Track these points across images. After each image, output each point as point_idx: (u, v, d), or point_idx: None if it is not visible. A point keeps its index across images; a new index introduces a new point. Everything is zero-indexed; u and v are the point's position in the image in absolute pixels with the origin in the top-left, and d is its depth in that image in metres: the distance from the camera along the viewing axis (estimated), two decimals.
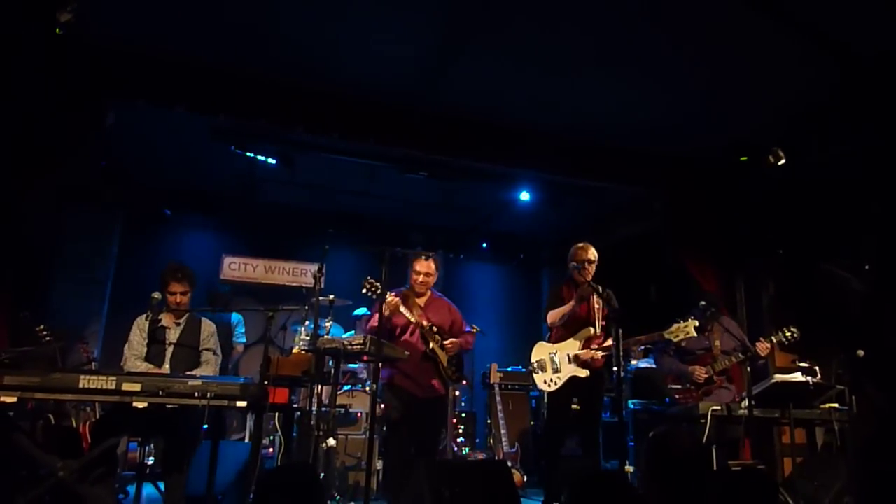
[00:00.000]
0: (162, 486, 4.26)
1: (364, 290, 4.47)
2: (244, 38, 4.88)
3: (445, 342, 4.68)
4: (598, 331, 4.73)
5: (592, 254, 4.84)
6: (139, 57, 5.04)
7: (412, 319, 4.60)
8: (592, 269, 4.80)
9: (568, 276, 4.99)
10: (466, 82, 5.37)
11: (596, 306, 4.76)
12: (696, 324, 4.60)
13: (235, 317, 6.80)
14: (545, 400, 5.41)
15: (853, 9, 4.21)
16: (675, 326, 4.60)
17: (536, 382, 4.87)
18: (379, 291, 4.35)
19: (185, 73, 5.20)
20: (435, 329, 4.68)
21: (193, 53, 5.09)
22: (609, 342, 4.55)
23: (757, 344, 4.78)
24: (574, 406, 4.92)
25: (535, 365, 4.86)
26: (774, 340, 4.78)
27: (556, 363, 4.80)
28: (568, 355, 4.78)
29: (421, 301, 4.80)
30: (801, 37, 4.51)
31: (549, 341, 4.97)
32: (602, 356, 4.73)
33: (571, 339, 4.82)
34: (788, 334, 4.77)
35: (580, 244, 4.93)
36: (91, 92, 4.97)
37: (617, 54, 4.87)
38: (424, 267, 4.77)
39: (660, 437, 2.36)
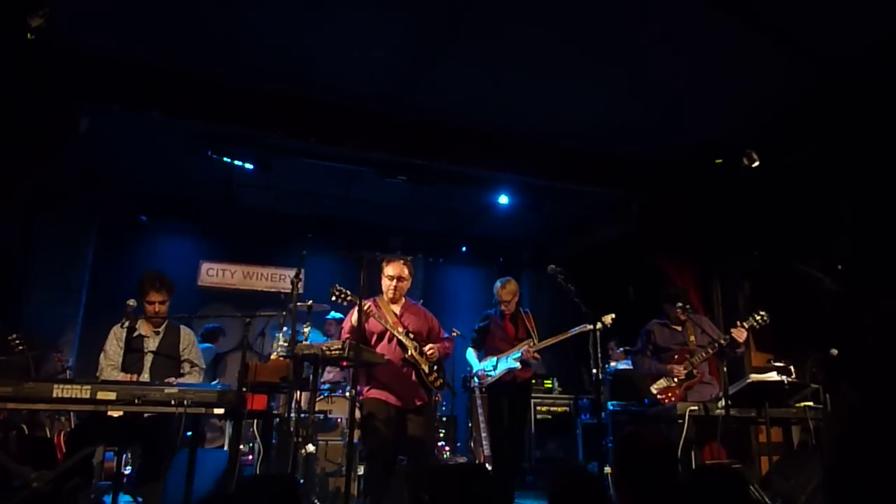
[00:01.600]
0: (139, 496, 4.20)
1: (333, 298, 4.29)
2: (221, 44, 4.85)
3: (425, 348, 4.49)
4: (534, 343, 5.42)
5: (510, 291, 5.55)
6: (113, 62, 4.98)
7: (389, 328, 4.40)
8: (515, 301, 5.60)
9: (496, 309, 5.68)
10: (444, 86, 5.38)
11: (529, 324, 5.52)
12: (613, 315, 5.08)
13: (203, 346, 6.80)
14: (481, 399, 6.06)
15: (827, 15, 4.29)
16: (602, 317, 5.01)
17: (475, 381, 5.65)
18: (349, 298, 4.24)
19: (161, 78, 5.15)
20: (412, 336, 4.49)
21: (169, 59, 5.04)
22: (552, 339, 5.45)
23: (732, 331, 4.85)
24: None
25: (478, 374, 5.59)
26: (747, 325, 4.86)
27: (496, 367, 5.43)
28: (507, 358, 5.42)
29: (396, 308, 4.58)
30: (776, 41, 4.58)
31: (488, 356, 5.60)
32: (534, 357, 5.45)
33: (508, 352, 5.49)
34: (759, 318, 4.86)
35: (499, 284, 5.63)
36: (64, 97, 4.91)
37: (594, 58, 4.91)
38: (396, 270, 4.51)
39: (627, 437, 2.38)
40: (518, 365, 5.39)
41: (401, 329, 4.46)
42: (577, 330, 5.42)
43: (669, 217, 6.61)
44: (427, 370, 4.47)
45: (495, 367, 5.43)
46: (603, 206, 7.57)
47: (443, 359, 4.65)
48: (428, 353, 4.48)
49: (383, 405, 4.33)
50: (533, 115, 5.78)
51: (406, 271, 4.56)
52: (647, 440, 2.28)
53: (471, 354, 5.73)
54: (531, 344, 5.44)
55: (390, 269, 4.52)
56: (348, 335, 4.34)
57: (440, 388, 4.63)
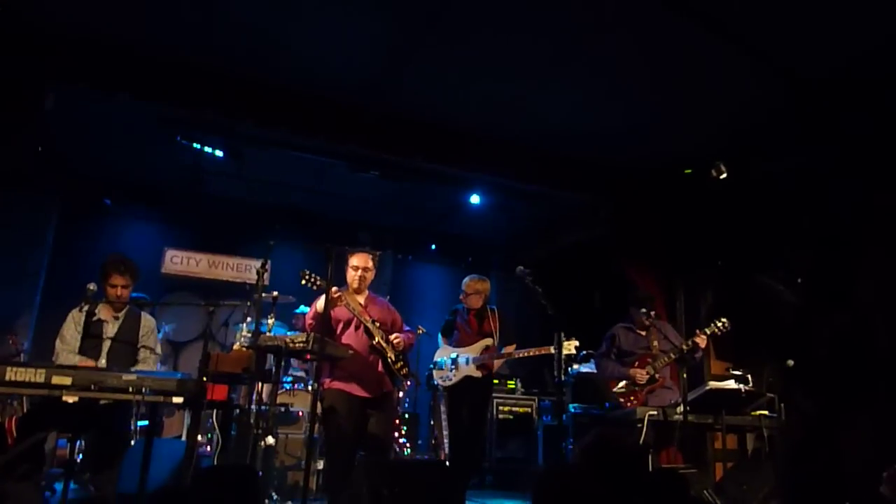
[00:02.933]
0: (92, 484, 4.11)
1: (303, 282, 4.28)
2: (194, 27, 4.76)
3: (391, 336, 4.56)
4: (495, 341, 5.46)
5: (472, 287, 5.56)
6: (82, 40, 4.87)
7: (354, 313, 4.43)
8: (479, 298, 5.56)
9: (462, 306, 5.69)
10: (420, 84, 5.37)
11: (493, 323, 5.51)
12: (577, 343, 5.27)
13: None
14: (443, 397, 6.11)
15: (797, 32, 4.39)
16: (564, 343, 5.07)
17: (435, 377, 5.58)
18: (318, 283, 4.25)
19: (130, 58, 5.04)
20: (378, 324, 4.54)
21: (139, 39, 4.94)
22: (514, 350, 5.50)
23: (694, 336, 4.95)
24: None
25: (436, 364, 5.58)
26: (708, 331, 4.94)
27: (456, 363, 5.42)
28: (467, 358, 5.41)
29: (360, 298, 4.63)
30: (748, 55, 4.67)
31: (451, 345, 5.62)
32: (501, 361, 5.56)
33: (471, 346, 5.47)
34: (720, 325, 4.95)
35: (466, 281, 5.64)
36: (29, 73, 4.78)
37: (566, 65, 4.96)
38: (362, 261, 4.59)
39: (603, 436, 2.41)
40: (479, 374, 5.36)
41: (367, 317, 4.50)
42: (537, 350, 5.43)
43: (636, 224, 6.70)
44: (393, 358, 4.55)
45: (454, 364, 5.41)
46: (572, 210, 7.64)
47: (407, 350, 4.72)
48: (394, 341, 4.56)
49: (346, 397, 4.35)
50: (506, 117, 5.81)
51: (370, 262, 4.65)
52: (621, 441, 2.33)
53: (440, 340, 5.75)
54: (490, 344, 5.43)
55: (355, 260, 4.60)
56: (312, 321, 4.36)
57: (406, 376, 4.70)
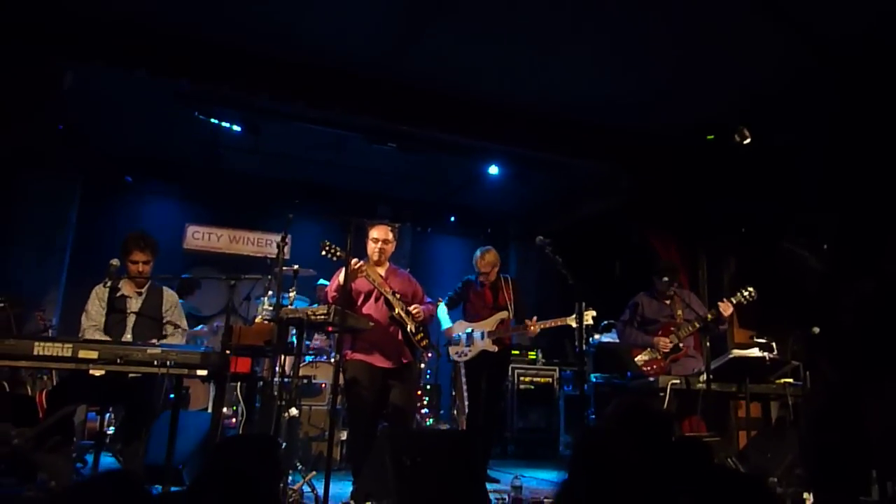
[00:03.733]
0: (120, 455, 4.21)
1: (323, 253, 4.29)
2: (209, 2, 4.74)
3: (411, 308, 4.56)
4: (511, 314, 5.44)
5: (488, 263, 5.46)
6: (98, 18, 4.88)
7: (375, 284, 4.44)
8: (495, 271, 5.51)
9: (475, 278, 5.61)
10: (436, 53, 5.31)
11: (508, 294, 5.48)
12: (594, 313, 5.22)
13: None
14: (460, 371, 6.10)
15: None
16: (574, 315, 5.04)
17: (450, 353, 5.52)
18: (339, 254, 4.25)
19: (147, 35, 5.04)
20: (398, 295, 4.55)
21: (155, 16, 4.93)
22: (544, 323, 5.34)
23: (719, 304, 4.89)
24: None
25: (451, 339, 5.51)
26: (734, 301, 4.88)
27: (471, 339, 5.38)
28: (483, 332, 5.37)
29: (381, 270, 4.63)
30: (770, 17, 4.54)
31: (465, 320, 5.56)
32: (536, 330, 5.36)
33: (487, 320, 5.44)
34: (746, 293, 4.88)
35: (479, 253, 5.54)
36: (47, 52, 4.80)
37: (587, 30, 4.86)
38: (382, 233, 4.58)
39: (634, 400, 2.41)
40: (495, 348, 5.34)
41: (388, 289, 4.52)
42: (555, 322, 5.31)
43: (658, 193, 6.61)
44: (413, 329, 4.55)
45: (469, 339, 5.38)
46: (591, 180, 7.56)
47: (427, 321, 4.71)
48: (414, 312, 4.56)
49: (367, 368, 4.38)
50: (524, 84, 5.73)
51: (391, 235, 4.62)
52: (650, 407, 2.33)
53: (443, 311, 5.57)
54: (506, 317, 5.40)
55: (375, 233, 4.60)
56: (335, 293, 4.36)
57: (426, 347, 4.69)
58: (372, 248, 4.60)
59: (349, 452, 5.06)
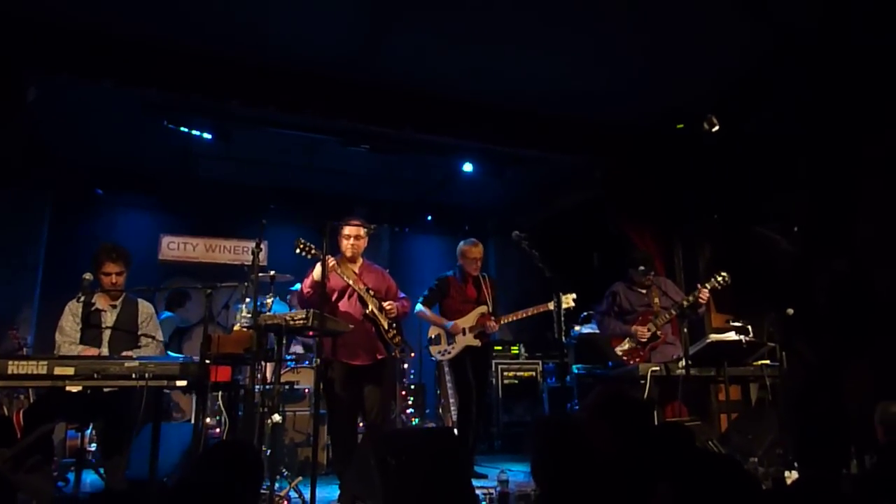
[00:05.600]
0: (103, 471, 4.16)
1: (297, 251, 4.35)
2: (174, 9, 4.68)
3: (385, 304, 4.63)
4: (490, 309, 5.46)
5: (474, 253, 5.50)
6: (61, 28, 4.79)
7: (349, 282, 4.52)
8: (479, 265, 5.55)
9: (455, 271, 5.61)
10: (404, 52, 5.30)
11: (487, 290, 5.52)
12: (574, 296, 5.30)
13: (165, 314, 6.72)
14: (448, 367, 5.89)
15: None
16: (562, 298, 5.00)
17: (431, 353, 5.51)
18: (313, 252, 4.30)
19: (112, 45, 4.96)
20: (372, 292, 4.62)
21: (120, 25, 4.86)
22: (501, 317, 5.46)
23: (695, 292, 4.98)
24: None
25: (431, 339, 5.50)
26: (709, 286, 4.97)
27: (452, 336, 5.38)
28: (464, 328, 5.37)
29: (354, 267, 4.71)
30: (739, 5, 4.59)
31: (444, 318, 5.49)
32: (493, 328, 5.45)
33: (467, 315, 5.43)
34: (720, 278, 4.98)
35: (464, 245, 5.56)
36: (8, 65, 4.71)
37: (554, 22, 4.87)
38: (353, 230, 4.68)
39: (612, 390, 2.44)
40: (478, 343, 5.38)
41: (361, 286, 4.59)
42: (535, 309, 5.45)
43: (632, 182, 6.66)
44: (386, 326, 4.63)
45: (451, 336, 5.38)
46: (567, 172, 7.59)
47: (400, 317, 4.78)
48: (387, 308, 4.64)
49: (342, 367, 4.47)
50: (495, 81, 5.74)
51: (362, 231, 4.73)
52: (626, 394, 2.36)
53: (424, 310, 5.48)
54: (486, 311, 5.43)
55: (347, 230, 4.70)
56: (310, 290, 4.45)
57: (398, 344, 4.76)
58: (345, 245, 4.69)
59: (332, 453, 5.06)
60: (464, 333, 5.37)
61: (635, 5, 4.64)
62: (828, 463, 4.29)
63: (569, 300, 5.23)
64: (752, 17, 4.72)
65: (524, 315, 5.48)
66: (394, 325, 4.69)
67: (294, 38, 5.08)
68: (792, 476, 4.05)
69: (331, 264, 4.32)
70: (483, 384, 5.57)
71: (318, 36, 5.06)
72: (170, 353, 6.51)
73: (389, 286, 4.89)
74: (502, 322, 5.51)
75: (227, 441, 4.21)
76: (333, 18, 4.84)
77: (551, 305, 5.15)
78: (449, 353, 5.39)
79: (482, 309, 5.46)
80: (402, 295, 4.94)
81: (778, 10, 4.65)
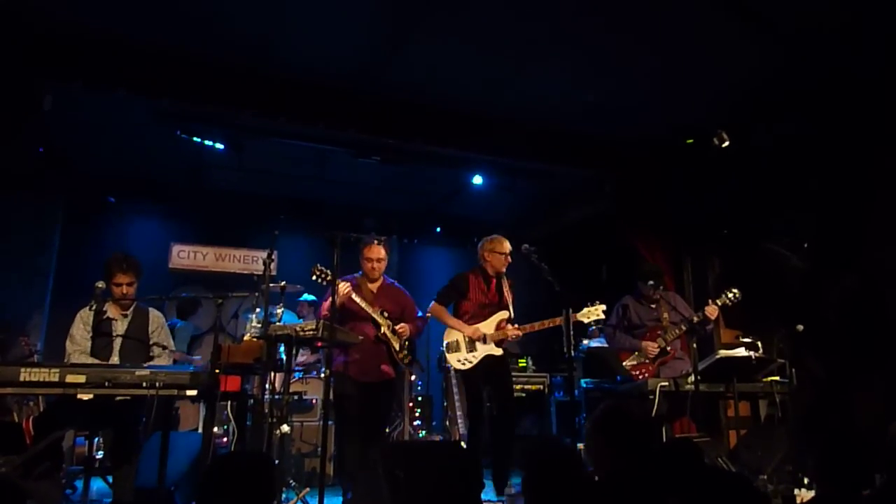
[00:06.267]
0: (111, 479, 4.17)
1: (314, 277, 4.45)
2: (189, 19, 4.74)
3: (397, 327, 4.70)
4: (511, 314, 4.97)
5: (505, 247, 5.02)
6: (76, 38, 4.85)
7: (365, 307, 4.60)
8: (509, 259, 5.04)
9: (476, 266, 5.11)
10: (417, 66, 5.34)
11: (507, 293, 5.01)
12: (604, 307, 4.92)
13: (181, 322, 6.75)
14: (456, 379, 5.79)
15: None
16: (585, 310, 4.89)
17: (449, 361, 4.96)
18: (329, 278, 4.33)
19: (126, 54, 5.02)
20: (387, 314, 4.70)
21: (135, 35, 4.92)
22: (540, 323, 4.89)
23: (705, 308, 4.95)
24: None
25: (449, 345, 4.95)
26: (719, 303, 4.94)
27: (472, 343, 4.87)
28: (485, 335, 4.86)
29: (373, 287, 4.80)
30: (748, 20, 4.61)
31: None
32: (516, 336, 4.88)
33: (486, 321, 4.93)
34: (731, 295, 4.94)
35: (495, 238, 5.06)
36: (26, 74, 4.78)
37: (566, 39, 4.91)
38: (375, 253, 4.76)
39: (614, 407, 2.43)
40: (499, 352, 4.87)
41: (376, 308, 4.66)
42: (552, 322, 4.83)
43: (641, 197, 6.67)
44: (398, 347, 4.70)
45: (472, 343, 4.85)
46: (576, 186, 7.61)
47: (414, 337, 4.84)
48: (399, 331, 4.71)
49: (351, 382, 4.54)
50: (506, 95, 5.77)
51: (383, 252, 4.82)
52: (632, 412, 2.35)
53: (442, 311, 4.97)
54: (507, 317, 4.93)
55: (370, 253, 4.77)
56: (327, 312, 4.44)
57: (408, 364, 4.83)
58: (367, 267, 4.78)
59: (339, 468, 5.02)
60: (484, 341, 4.86)
61: (646, 22, 4.66)
62: (849, 482, 4.25)
63: (598, 311, 4.89)
64: (763, 33, 4.74)
65: (544, 326, 4.91)
66: (406, 344, 4.76)
67: (307, 51, 5.13)
68: (802, 494, 4.02)
69: (346, 290, 4.45)
70: (506, 396, 4.92)
71: (331, 49, 5.10)
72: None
73: (406, 306, 4.94)
74: (523, 332, 4.95)
75: (246, 452, 4.20)
76: (346, 32, 4.88)
77: (579, 316, 4.83)
78: (470, 362, 4.85)
79: (503, 315, 4.97)
80: (420, 314, 4.98)
81: (790, 26, 4.66)
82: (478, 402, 4.96)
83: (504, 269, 5.03)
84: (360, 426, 4.57)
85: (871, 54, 4.86)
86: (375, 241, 4.81)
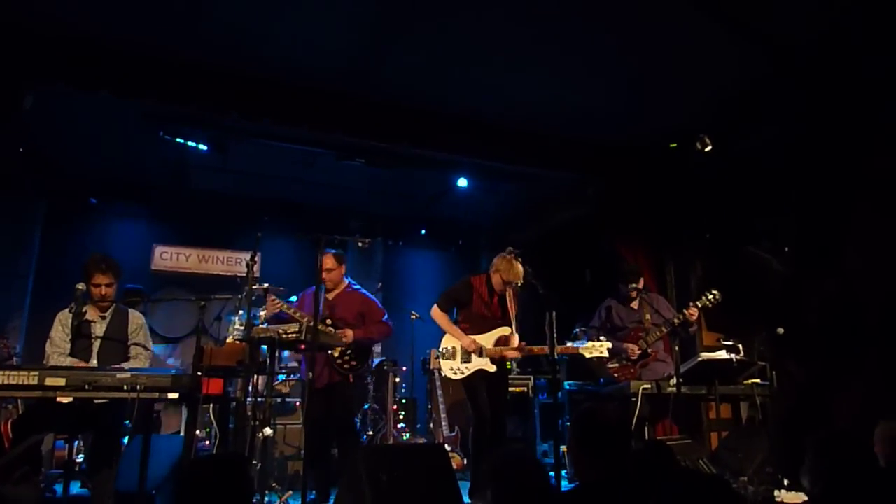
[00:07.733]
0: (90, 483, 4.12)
1: (270, 308, 4.63)
2: (173, 20, 4.71)
3: (338, 331, 4.75)
4: (514, 329, 4.81)
5: (516, 275, 4.69)
6: (59, 37, 4.80)
7: (297, 317, 4.63)
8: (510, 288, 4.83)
9: (485, 273, 4.95)
10: (403, 68, 5.34)
11: (511, 307, 4.84)
12: (609, 345, 4.82)
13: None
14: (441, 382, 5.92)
15: (779, 3, 4.37)
16: (589, 344, 4.81)
17: (442, 367, 4.88)
18: (279, 306, 4.62)
19: (110, 55, 4.97)
20: (329, 322, 4.76)
21: (118, 34, 4.87)
22: (527, 347, 4.79)
23: (685, 310, 4.99)
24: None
25: (444, 351, 4.87)
26: (700, 304, 4.98)
27: (468, 355, 4.78)
28: (481, 349, 4.77)
29: (330, 296, 4.89)
30: (730, 25, 4.66)
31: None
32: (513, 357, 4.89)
33: (486, 335, 4.82)
34: (711, 297, 4.99)
35: (508, 260, 4.72)
36: (6, 73, 4.72)
37: (549, 42, 4.93)
38: (326, 262, 4.83)
39: (586, 412, 2.44)
40: (493, 368, 4.76)
41: (306, 319, 4.50)
42: (563, 348, 4.79)
43: (625, 200, 6.71)
44: (337, 354, 4.77)
45: (466, 354, 4.79)
46: (560, 189, 7.64)
47: (365, 342, 4.92)
48: (341, 336, 4.78)
49: (307, 386, 4.62)
50: (491, 98, 5.79)
51: (332, 262, 4.91)
52: (604, 415, 2.35)
53: (441, 315, 4.90)
54: (508, 334, 4.80)
55: (323, 262, 4.71)
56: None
57: (352, 370, 4.84)
58: (323, 278, 4.77)
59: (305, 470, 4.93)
60: (480, 355, 4.75)
61: (629, 26, 4.69)
62: (842, 484, 4.30)
63: (602, 349, 4.77)
64: (745, 38, 4.79)
65: (544, 352, 4.62)
66: (348, 351, 4.79)
67: (292, 52, 5.11)
68: (782, 495, 4.06)
69: (273, 302, 4.64)
70: (497, 407, 4.82)
71: (316, 50, 5.09)
72: None
73: (366, 312, 4.98)
74: (521, 355, 4.89)
75: (220, 454, 4.19)
76: (332, 33, 4.88)
77: (584, 351, 4.79)
78: (462, 373, 4.78)
79: (504, 331, 4.83)
80: (385, 318, 5.03)
81: (768, 30, 4.72)
82: (480, 407, 4.79)
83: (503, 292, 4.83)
84: (322, 429, 4.68)
85: (852, 60, 4.93)
86: (327, 252, 4.83)
